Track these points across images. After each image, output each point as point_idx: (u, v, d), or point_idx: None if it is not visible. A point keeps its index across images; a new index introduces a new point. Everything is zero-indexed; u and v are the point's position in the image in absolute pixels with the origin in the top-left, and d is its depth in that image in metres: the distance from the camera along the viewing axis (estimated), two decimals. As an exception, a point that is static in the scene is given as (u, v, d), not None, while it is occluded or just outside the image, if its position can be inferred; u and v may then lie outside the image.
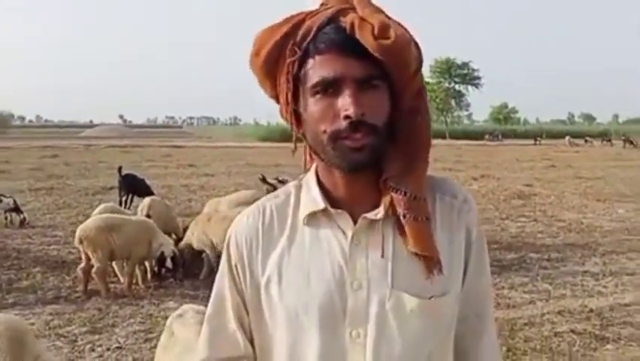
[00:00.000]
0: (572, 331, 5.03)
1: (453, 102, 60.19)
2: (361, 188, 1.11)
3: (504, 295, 6.19)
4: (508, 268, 7.32)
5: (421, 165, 1.11)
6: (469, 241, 1.14)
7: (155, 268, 6.70)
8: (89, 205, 11.70)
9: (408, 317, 1.07)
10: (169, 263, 6.41)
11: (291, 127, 1.13)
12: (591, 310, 5.58)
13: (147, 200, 8.30)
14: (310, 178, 1.17)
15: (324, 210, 1.11)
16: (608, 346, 4.72)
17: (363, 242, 1.09)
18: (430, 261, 1.07)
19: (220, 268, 1.23)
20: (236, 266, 1.18)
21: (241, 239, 1.17)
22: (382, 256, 1.08)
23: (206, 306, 1.27)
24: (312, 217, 1.13)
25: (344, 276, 1.08)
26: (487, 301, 1.21)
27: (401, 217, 1.07)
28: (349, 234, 1.09)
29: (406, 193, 1.07)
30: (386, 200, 1.08)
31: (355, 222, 1.09)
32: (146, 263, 6.71)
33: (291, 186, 1.21)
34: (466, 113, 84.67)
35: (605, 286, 6.51)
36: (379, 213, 1.08)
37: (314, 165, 1.17)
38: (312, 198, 1.13)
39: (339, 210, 1.10)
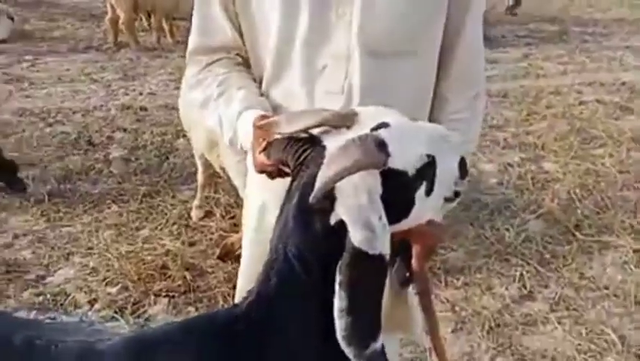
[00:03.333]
0: (598, 100, 4.98)
1: None
2: None
3: (536, 66, 6.04)
4: (547, 40, 7.05)
5: None
6: None
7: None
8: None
9: None
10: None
11: None
12: (623, 83, 5.45)
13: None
14: None
15: None
16: (631, 117, 4.71)
17: None
18: None
19: None
20: None
21: None
22: None
23: None
24: None
25: None
26: None
27: None
28: None
29: None
30: None
31: None
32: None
33: None
34: None
35: (644, 61, 6.27)
36: None
37: None
38: None
39: None
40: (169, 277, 2.56)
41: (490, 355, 2.26)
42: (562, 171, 3.68)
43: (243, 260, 1.41)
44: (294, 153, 0.89)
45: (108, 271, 2.63)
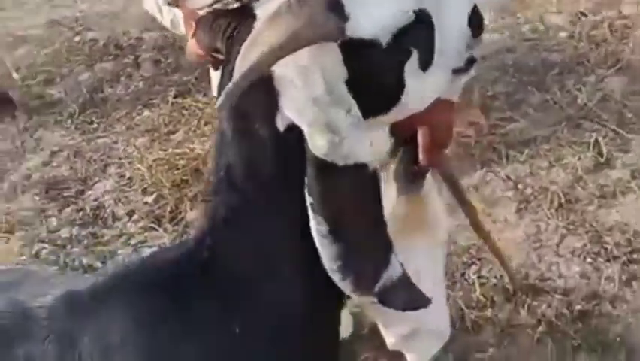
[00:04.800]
0: None
1: None
2: None
3: None
4: None
5: None
6: None
7: None
8: None
9: None
10: None
11: None
12: None
13: None
14: None
15: None
16: None
17: None
18: None
19: None
20: None
21: None
22: None
23: None
24: None
25: None
26: None
27: None
28: None
29: None
30: None
31: None
32: None
33: None
34: None
35: None
36: None
37: None
38: None
39: None
40: (204, 181, 2.43)
41: (559, 235, 2.01)
42: (646, 14, 3.12)
43: None
44: (223, 32, 0.63)
45: (143, 180, 2.53)
